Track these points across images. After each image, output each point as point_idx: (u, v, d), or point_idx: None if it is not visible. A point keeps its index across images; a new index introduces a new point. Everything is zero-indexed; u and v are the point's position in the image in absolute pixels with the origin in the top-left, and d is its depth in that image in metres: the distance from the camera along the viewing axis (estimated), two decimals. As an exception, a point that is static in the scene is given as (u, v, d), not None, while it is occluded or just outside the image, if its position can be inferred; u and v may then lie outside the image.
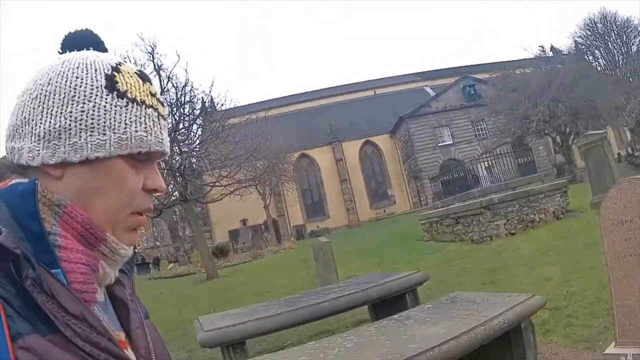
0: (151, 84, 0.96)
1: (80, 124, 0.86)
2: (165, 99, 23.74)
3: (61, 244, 0.83)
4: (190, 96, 24.49)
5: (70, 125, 0.86)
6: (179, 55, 23.25)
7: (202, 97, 25.02)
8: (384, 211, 50.86)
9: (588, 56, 42.23)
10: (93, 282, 0.87)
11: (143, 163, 0.92)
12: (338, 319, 7.80)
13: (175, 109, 23.69)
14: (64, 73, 0.88)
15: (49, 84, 0.87)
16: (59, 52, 0.96)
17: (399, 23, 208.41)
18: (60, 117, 0.86)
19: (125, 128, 0.88)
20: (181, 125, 23.92)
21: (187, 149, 23.78)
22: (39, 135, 0.86)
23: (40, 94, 0.87)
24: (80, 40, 0.97)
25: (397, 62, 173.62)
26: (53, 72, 0.88)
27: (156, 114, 0.94)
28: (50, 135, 0.86)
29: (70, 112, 0.86)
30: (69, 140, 0.86)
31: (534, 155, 45.04)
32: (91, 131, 0.86)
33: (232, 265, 27.19)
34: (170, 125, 23.45)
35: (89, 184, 0.87)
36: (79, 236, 0.86)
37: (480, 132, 48.10)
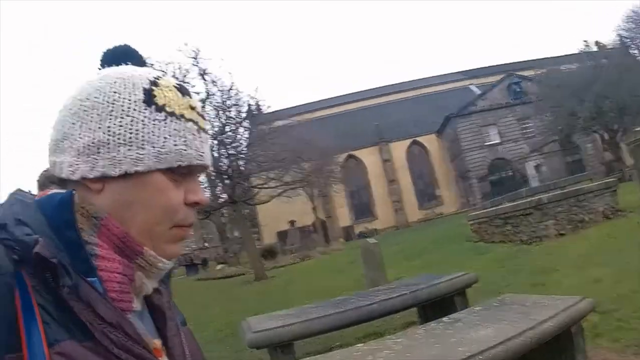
0: (191, 97, 0.96)
1: (119, 139, 0.86)
2: (211, 102, 24.04)
3: (98, 253, 0.84)
4: (236, 99, 24.73)
5: (108, 139, 0.86)
6: (222, 59, 23.43)
7: (247, 101, 25.23)
8: (432, 212, 50.48)
9: (633, 50, 41.06)
10: (129, 292, 0.88)
11: (184, 177, 0.92)
12: (386, 321, 7.73)
13: (221, 112, 23.92)
14: (102, 88, 0.89)
15: (87, 99, 0.88)
16: (98, 68, 0.97)
17: (442, 21, 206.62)
18: (98, 132, 0.86)
19: (164, 142, 0.88)
20: (227, 129, 24.16)
21: (234, 152, 24.01)
22: (78, 150, 0.87)
23: (79, 109, 0.88)
24: (119, 56, 0.97)
25: (442, 61, 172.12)
26: (91, 87, 0.89)
27: (196, 127, 0.93)
28: (89, 149, 0.86)
29: (109, 127, 0.87)
30: (108, 155, 0.86)
31: (582, 154, 44.03)
32: (129, 145, 0.86)
33: (281, 267, 27.33)
34: (216, 129, 23.73)
35: (128, 197, 0.88)
36: (116, 247, 0.87)
37: (527, 131, 46.97)
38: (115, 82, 0.89)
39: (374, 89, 67.29)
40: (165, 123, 0.89)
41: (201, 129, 0.94)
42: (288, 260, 29.23)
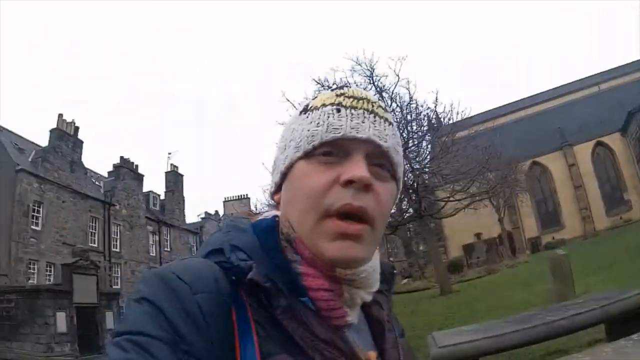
0: (342, 89, 0.98)
1: (280, 150, 0.98)
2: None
3: (302, 271, 0.89)
4: (416, 113, 24.75)
5: (277, 154, 0.99)
6: (398, 75, 23.56)
7: (427, 113, 25.16)
8: (621, 218, 46.82)
9: None
10: (341, 307, 0.90)
11: (337, 160, 0.90)
12: (571, 338, 7.38)
13: (402, 127, 24.05)
14: (287, 121, 1.04)
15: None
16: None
17: (613, 10, 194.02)
18: (276, 153, 1.00)
19: (300, 133, 0.93)
20: (410, 143, 24.19)
21: (418, 166, 24.03)
22: (271, 172, 1.02)
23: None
24: None
25: (617, 51, 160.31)
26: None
27: (335, 107, 0.92)
28: (273, 169, 1.01)
29: (279, 145, 1.00)
30: (276, 167, 0.99)
31: None
32: (284, 150, 0.97)
33: (467, 280, 26.98)
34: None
35: (287, 196, 0.94)
36: (311, 264, 0.89)
37: None
38: (294, 113, 1.02)
39: (551, 89, 63.95)
40: (306, 119, 0.94)
41: (345, 107, 0.92)
42: (474, 274, 28.81)
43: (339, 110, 0.91)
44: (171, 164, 53.70)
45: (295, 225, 0.90)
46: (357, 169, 0.87)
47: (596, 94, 57.71)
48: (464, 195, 25.59)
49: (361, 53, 24.13)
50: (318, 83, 23.96)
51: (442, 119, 25.16)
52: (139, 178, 45.06)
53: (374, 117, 0.92)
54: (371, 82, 24.26)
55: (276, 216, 0.94)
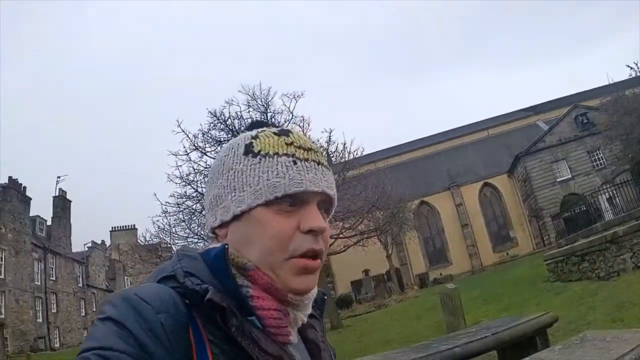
0: (288, 136, 1.05)
1: (226, 189, 1.03)
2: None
3: (253, 294, 0.96)
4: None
5: (220, 192, 1.04)
6: (292, 113, 23.92)
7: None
8: (507, 254, 49.07)
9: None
10: (287, 326, 0.99)
11: (295, 209, 1.00)
12: (466, 365, 7.78)
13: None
14: (219, 155, 1.09)
15: (212, 167, 1.11)
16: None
17: (504, 58, 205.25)
18: (215, 189, 1.06)
19: (258, 180, 0.99)
20: (300, 181, 24.40)
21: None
22: (208, 208, 1.08)
23: (210, 176, 1.11)
24: (251, 128, 1.13)
25: (506, 98, 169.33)
26: (217, 157, 1.10)
27: (291, 159, 1.01)
28: (212, 204, 1.06)
29: (221, 182, 1.05)
30: (221, 204, 1.03)
31: (656, 181, 42.04)
32: (234, 192, 1.01)
33: (356, 315, 27.19)
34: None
35: (241, 235, 1.01)
36: (266, 289, 0.98)
37: (598, 162, 45.25)
38: (228, 147, 1.08)
39: (442, 132, 66.53)
40: (260, 164, 1.00)
41: (300, 159, 1.01)
42: (364, 309, 29.09)
43: (295, 163, 1.00)
44: (59, 189, 51.29)
45: (255, 261, 0.98)
46: (315, 219, 0.99)
47: (485, 138, 60.64)
48: (353, 232, 25.93)
49: (257, 88, 24.15)
50: (214, 116, 23.93)
51: (333, 158, 25.50)
52: (27, 201, 42.72)
53: (322, 168, 1.04)
54: (265, 118, 24.43)
55: (225, 245, 0.99)
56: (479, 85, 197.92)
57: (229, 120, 24.20)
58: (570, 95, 60.52)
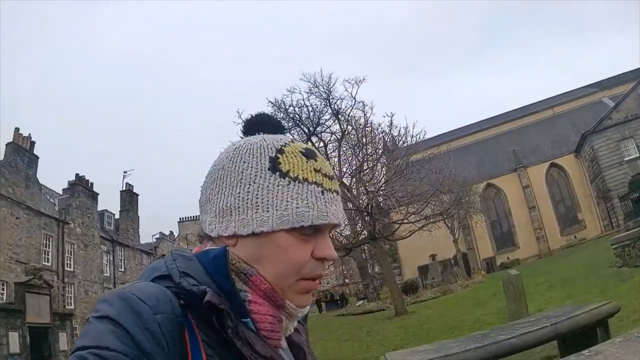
0: (316, 161, 1.04)
1: (247, 203, 1.00)
2: (347, 141, 24.43)
3: (250, 298, 0.98)
4: (372, 136, 24.99)
5: (238, 204, 1.00)
6: (354, 98, 23.85)
7: (382, 136, 25.48)
8: (575, 237, 47.51)
9: None
10: (279, 331, 1.01)
11: (312, 235, 1.01)
12: (525, 354, 7.56)
13: (357, 150, 24.23)
14: (234, 158, 1.04)
15: (222, 168, 1.04)
16: (240, 136, 1.14)
17: (568, 35, 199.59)
18: (230, 198, 1.01)
19: (286, 205, 0.98)
20: (365, 166, 24.35)
21: (373, 189, 24.02)
22: (215, 212, 1.03)
23: (217, 177, 1.05)
24: (258, 124, 1.13)
25: (571, 74, 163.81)
26: (226, 157, 1.05)
27: (320, 189, 1.01)
28: (223, 212, 1.02)
29: (239, 193, 1.00)
30: (238, 217, 1.00)
31: None
32: (256, 209, 0.99)
33: (422, 301, 27.08)
34: (354, 167, 24.10)
35: (257, 253, 1.00)
36: (264, 296, 0.99)
37: None
38: (245, 152, 1.03)
39: (506, 112, 64.91)
40: (289, 188, 0.99)
41: (326, 190, 1.02)
42: (429, 295, 28.93)
43: (323, 194, 1.01)
44: (126, 183, 52.46)
45: (269, 278, 0.99)
46: (329, 248, 1.03)
47: (551, 117, 58.70)
48: (418, 217, 25.75)
49: (319, 75, 24.18)
50: (274, 105, 24.15)
51: (397, 142, 25.40)
52: (94, 196, 43.88)
53: (339, 197, 1.06)
54: (328, 104, 24.52)
55: (227, 247, 0.99)
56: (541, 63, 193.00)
57: (290, 108, 24.39)
58: (635, 70, 57.84)
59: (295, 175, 1.00)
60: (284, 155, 1.02)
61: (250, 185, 1.01)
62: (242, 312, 0.96)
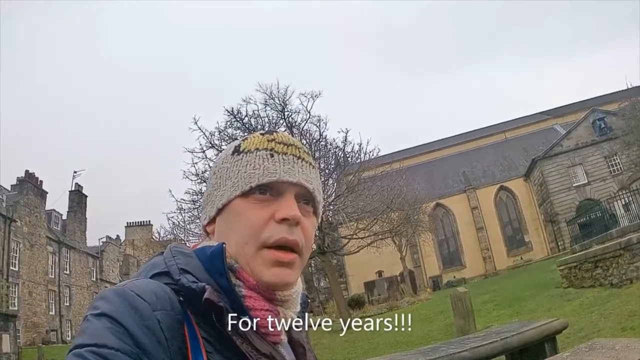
0: (271, 134, 1.09)
1: (214, 187, 1.09)
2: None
3: (245, 294, 0.98)
4: (325, 151, 25.08)
5: (210, 191, 1.11)
6: (309, 112, 23.95)
7: (335, 152, 25.56)
8: (521, 258, 48.62)
9: None
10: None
11: (272, 199, 1.03)
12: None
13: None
14: (216, 159, 1.16)
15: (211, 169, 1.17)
16: None
17: (524, 62, 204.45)
18: (208, 188, 1.13)
19: (237, 173, 1.04)
20: (316, 181, 24.39)
21: (323, 203, 24.14)
22: (203, 206, 1.13)
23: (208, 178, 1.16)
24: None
25: (524, 101, 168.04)
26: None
27: (268, 153, 1.04)
28: (205, 203, 1.12)
29: (210, 181, 1.12)
30: (210, 201, 1.09)
31: (673, 188, 41.42)
32: (218, 187, 1.08)
33: (368, 316, 27.13)
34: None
35: (222, 228, 1.06)
36: (253, 289, 1.00)
37: (615, 168, 44.99)
38: (224, 151, 1.14)
39: (459, 135, 66.59)
40: (241, 160, 1.05)
41: (277, 153, 1.05)
42: (375, 310, 29.02)
43: (272, 155, 1.04)
44: (76, 183, 51.67)
45: (232, 254, 1.00)
46: (290, 208, 1.01)
47: (502, 141, 60.19)
48: (367, 233, 25.90)
49: (275, 87, 24.19)
50: (230, 114, 24.05)
51: (349, 158, 25.54)
52: (43, 195, 43.06)
53: (302, 162, 1.07)
54: (283, 117, 24.53)
55: (223, 244, 0.99)
56: (497, 87, 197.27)
57: (246, 118, 24.33)
58: (587, 99, 60.12)
59: (248, 149, 1.06)
60: (246, 140, 1.10)
61: (217, 171, 1.10)
62: (240, 309, 0.96)
